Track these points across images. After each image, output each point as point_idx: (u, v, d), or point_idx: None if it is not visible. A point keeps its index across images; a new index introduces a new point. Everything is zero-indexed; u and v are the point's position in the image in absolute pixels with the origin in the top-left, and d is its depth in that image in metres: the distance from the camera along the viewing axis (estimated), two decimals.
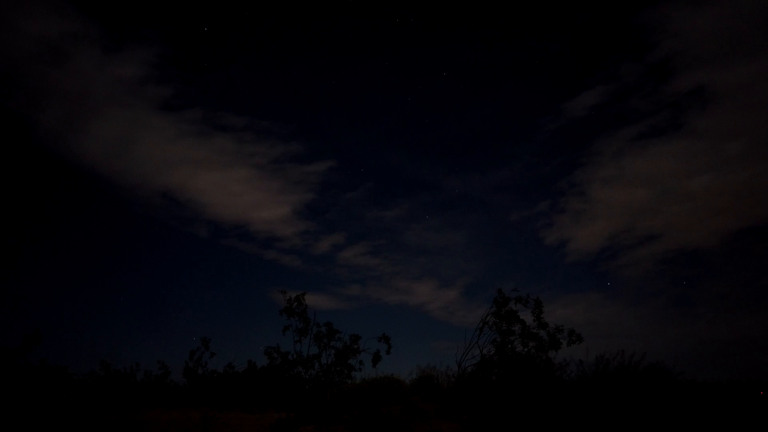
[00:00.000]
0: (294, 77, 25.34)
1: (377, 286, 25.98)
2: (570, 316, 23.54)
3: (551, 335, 9.73)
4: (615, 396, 7.71)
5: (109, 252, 24.97)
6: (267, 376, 13.10)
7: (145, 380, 14.30)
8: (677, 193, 24.07)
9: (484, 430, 7.96)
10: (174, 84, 23.23)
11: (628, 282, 24.54)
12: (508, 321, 10.05)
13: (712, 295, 23.99)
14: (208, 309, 25.08)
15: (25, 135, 21.92)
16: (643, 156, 23.55)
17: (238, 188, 25.32)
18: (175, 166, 24.88)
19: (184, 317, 24.00)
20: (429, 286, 26.19)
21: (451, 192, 27.17)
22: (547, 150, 25.05)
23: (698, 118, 22.35)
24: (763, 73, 21.01)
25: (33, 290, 22.17)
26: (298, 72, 25.16)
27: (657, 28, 21.50)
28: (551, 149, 24.99)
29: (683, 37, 21.43)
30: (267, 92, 25.41)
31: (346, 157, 26.73)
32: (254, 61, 24.95)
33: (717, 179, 23.19)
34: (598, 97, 23.09)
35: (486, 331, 10.29)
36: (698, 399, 9.26)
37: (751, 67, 21.17)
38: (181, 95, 23.53)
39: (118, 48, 21.88)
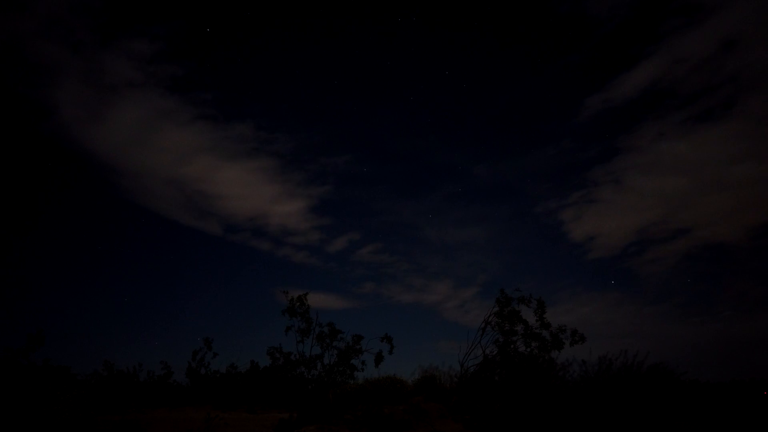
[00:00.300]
0: (316, 62, 23.90)
1: (392, 284, 25.21)
2: (588, 314, 22.73)
3: (554, 335, 9.71)
4: (618, 396, 7.69)
5: (113, 250, 24.67)
6: (270, 377, 13.12)
7: (148, 380, 14.36)
8: (714, 182, 22.62)
9: (487, 431, 7.94)
10: (185, 64, 21.76)
11: (649, 279, 23.61)
12: (511, 321, 10.02)
13: (733, 292, 23.18)
14: (212, 308, 24.78)
15: (27, 124, 21.03)
16: (686, 140, 21.93)
17: (252, 181, 23.97)
18: (183, 156, 23.52)
19: (188, 317, 23.82)
20: (446, 284, 25.40)
21: (480, 180, 25.62)
22: (589, 132, 23.28)
23: (752, 97, 20.65)
24: None
25: (36, 290, 22.14)
26: (321, 56, 23.66)
27: None
28: (593, 132, 23.17)
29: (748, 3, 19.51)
30: (286, 82, 23.91)
31: (370, 145, 25.08)
32: (271, 52, 23.52)
33: (758, 166, 21.77)
34: (654, 69, 20.84)
35: (489, 331, 10.28)
36: (701, 399, 9.24)
37: None
38: (193, 74, 22.13)
39: (126, 28, 20.86)
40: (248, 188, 24.25)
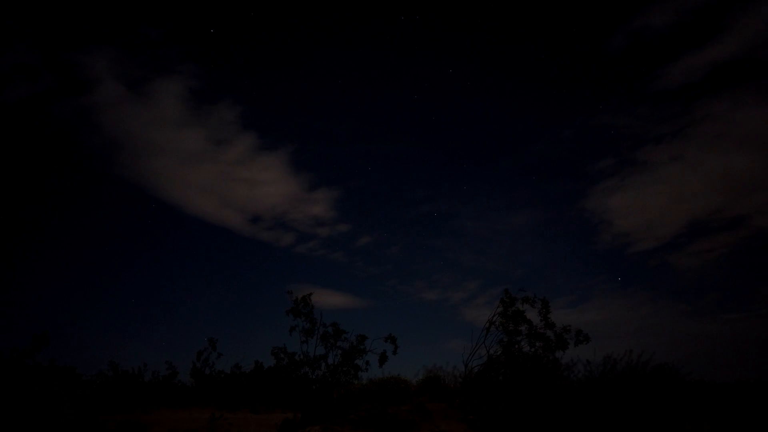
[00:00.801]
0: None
1: (418, 280, 23.79)
2: (618, 311, 21.56)
3: (558, 335, 9.71)
4: (622, 396, 7.67)
5: (118, 248, 24.26)
6: (274, 377, 13.16)
7: (153, 380, 14.39)
8: None
9: (491, 431, 7.94)
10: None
11: (687, 274, 22.31)
12: (515, 321, 10.03)
13: None
14: (222, 307, 24.21)
15: (29, 120, 20.12)
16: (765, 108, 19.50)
17: (269, 176, 22.52)
18: (199, 142, 22.04)
19: (196, 316, 23.51)
20: (475, 281, 23.94)
21: (537, 155, 23.23)
22: (658, 107, 21.26)
23: None
24: None
25: (41, 290, 22.12)
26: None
27: None
28: (663, 107, 21.10)
29: None
30: (316, 66, 22.35)
31: (411, 123, 22.81)
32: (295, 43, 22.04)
33: None
34: (741, 34, 18.47)
35: (493, 331, 10.28)
36: (705, 399, 9.21)
37: None
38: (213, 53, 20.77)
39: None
40: (271, 176, 22.54)
